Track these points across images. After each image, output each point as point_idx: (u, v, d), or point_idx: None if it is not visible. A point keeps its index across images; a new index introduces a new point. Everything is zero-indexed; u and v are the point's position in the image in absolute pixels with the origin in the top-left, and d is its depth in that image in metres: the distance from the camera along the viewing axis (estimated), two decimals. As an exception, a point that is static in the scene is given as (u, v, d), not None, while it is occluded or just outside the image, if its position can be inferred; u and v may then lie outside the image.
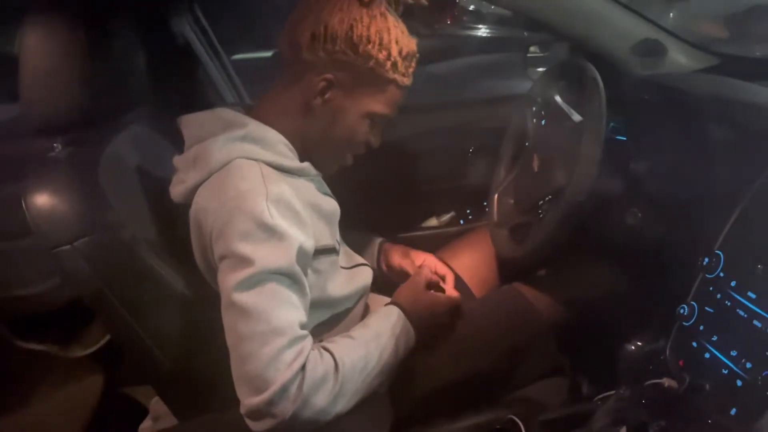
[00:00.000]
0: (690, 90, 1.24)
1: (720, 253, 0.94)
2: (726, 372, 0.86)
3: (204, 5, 1.57)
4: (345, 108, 0.99)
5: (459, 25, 4.03)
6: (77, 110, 0.97)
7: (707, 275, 0.94)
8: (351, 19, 0.93)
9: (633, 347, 0.93)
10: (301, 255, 0.91)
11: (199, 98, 1.49)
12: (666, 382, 0.90)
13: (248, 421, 0.86)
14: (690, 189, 1.09)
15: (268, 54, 2.71)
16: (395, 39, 0.96)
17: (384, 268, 1.31)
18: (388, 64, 0.96)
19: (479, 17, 4.03)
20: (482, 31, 3.84)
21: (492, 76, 2.27)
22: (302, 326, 0.90)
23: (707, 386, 0.87)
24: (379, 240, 1.32)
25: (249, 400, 0.85)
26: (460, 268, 1.37)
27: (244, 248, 0.86)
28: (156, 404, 1.15)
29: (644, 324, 0.99)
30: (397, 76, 0.98)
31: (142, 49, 1.09)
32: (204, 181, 0.94)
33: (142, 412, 1.20)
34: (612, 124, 1.33)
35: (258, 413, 0.85)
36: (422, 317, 1.05)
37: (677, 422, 0.89)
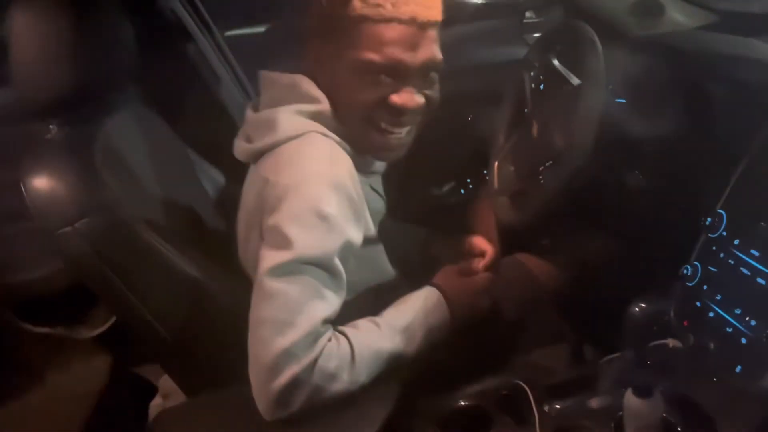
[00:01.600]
0: (689, 48, 1.23)
1: (722, 212, 0.94)
2: (730, 330, 0.86)
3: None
4: (333, 67, 0.91)
5: (453, -8, 3.97)
6: (70, 90, 0.96)
7: (710, 235, 0.95)
8: None
9: (637, 309, 0.94)
10: (346, 248, 0.88)
11: (191, 74, 1.47)
12: (670, 342, 0.90)
13: (258, 406, 0.84)
14: (691, 149, 1.09)
15: (261, 29, 2.68)
16: None
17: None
18: (351, 1, 0.86)
19: (473, -16, 3.97)
20: (477, -3, 3.78)
21: (488, 43, 2.24)
22: (329, 319, 0.87)
23: (712, 345, 0.88)
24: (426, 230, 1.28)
25: (258, 388, 0.84)
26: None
27: (291, 229, 0.84)
28: (165, 382, 1.16)
29: (647, 286, 0.99)
30: (365, 11, 0.86)
31: (132, 26, 1.08)
32: (270, 148, 0.92)
33: (152, 390, 1.21)
34: (611, 86, 1.32)
35: (266, 402, 0.83)
36: (463, 303, 1.01)
37: (683, 382, 0.90)
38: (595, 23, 1.14)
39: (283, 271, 0.84)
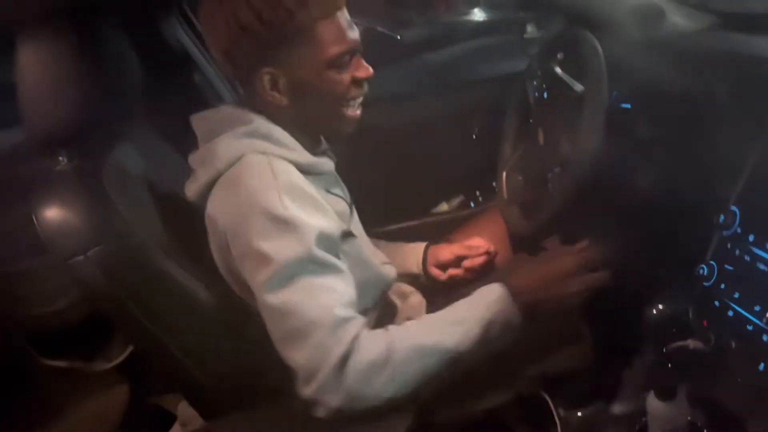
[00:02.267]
0: (692, 49, 1.23)
1: (735, 209, 0.92)
2: (751, 328, 0.85)
3: (195, 7, 1.57)
4: (302, 81, 0.94)
5: (453, 11, 4.01)
6: (79, 124, 0.97)
7: (724, 232, 0.93)
8: (232, 14, 0.88)
9: (655, 311, 0.93)
10: (324, 239, 0.88)
11: (197, 100, 1.49)
12: (691, 343, 0.89)
13: (310, 409, 0.85)
14: (700, 148, 1.08)
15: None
16: None
17: (433, 270, 1.26)
18: (294, 13, 0.88)
19: (473, 2, 4.01)
20: (477, 15, 3.81)
21: (490, 58, 2.25)
22: (346, 305, 0.87)
23: (733, 344, 0.87)
24: (423, 244, 1.28)
25: (302, 391, 0.84)
26: (474, 250, 1.37)
27: (261, 245, 0.85)
28: (183, 409, 1.15)
29: (664, 287, 0.98)
30: (313, 13, 0.89)
31: (136, 55, 1.09)
32: (214, 179, 0.94)
33: (170, 419, 1.21)
34: (615, 92, 1.32)
35: (312, 401, 0.84)
36: (533, 296, 0.95)
37: (706, 383, 0.88)
38: (595, 30, 1.15)
39: (276, 281, 0.84)
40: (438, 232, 1.48)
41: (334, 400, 0.83)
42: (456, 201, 1.79)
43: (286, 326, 0.84)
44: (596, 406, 0.93)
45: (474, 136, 1.74)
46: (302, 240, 0.86)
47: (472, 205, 1.79)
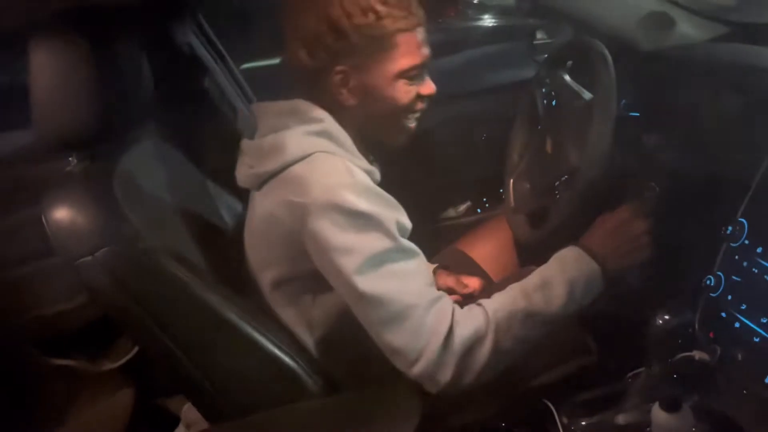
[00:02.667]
0: (701, 59, 1.23)
1: (743, 220, 0.92)
2: (758, 340, 0.85)
3: (209, 15, 1.58)
4: (373, 84, 0.97)
5: (463, 17, 4.01)
6: (89, 126, 0.98)
7: (732, 244, 0.93)
8: (323, 10, 0.92)
9: (660, 321, 0.93)
10: (401, 228, 0.93)
11: (209, 107, 1.50)
12: (697, 354, 0.89)
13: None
14: (708, 159, 1.08)
15: (276, 61, 2.71)
16: None
17: None
18: (382, 21, 0.93)
19: (483, 8, 4.01)
20: (487, 21, 3.82)
21: (500, 65, 2.25)
22: (432, 284, 0.93)
23: (739, 356, 0.86)
24: (431, 267, 1.29)
25: (409, 371, 0.90)
26: (480, 257, 1.37)
27: (346, 240, 0.88)
28: (188, 411, 1.16)
29: (670, 298, 0.98)
30: (398, 24, 0.94)
31: (148, 61, 1.10)
32: (278, 172, 0.95)
33: (174, 421, 1.21)
34: (624, 101, 1.32)
35: (422, 380, 0.90)
36: (610, 251, 0.99)
37: (711, 395, 0.88)
38: (605, 39, 1.15)
39: (366, 272, 0.88)
40: (445, 238, 1.48)
41: (444, 375, 0.89)
42: (463, 207, 1.79)
43: (382, 313, 0.89)
44: (600, 416, 0.93)
45: (482, 143, 1.74)
46: (386, 231, 0.89)
47: (479, 211, 1.79)
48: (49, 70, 0.95)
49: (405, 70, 0.97)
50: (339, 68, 0.95)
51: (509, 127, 1.44)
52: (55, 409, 1.40)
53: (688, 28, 1.33)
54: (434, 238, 1.34)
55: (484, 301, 0.95)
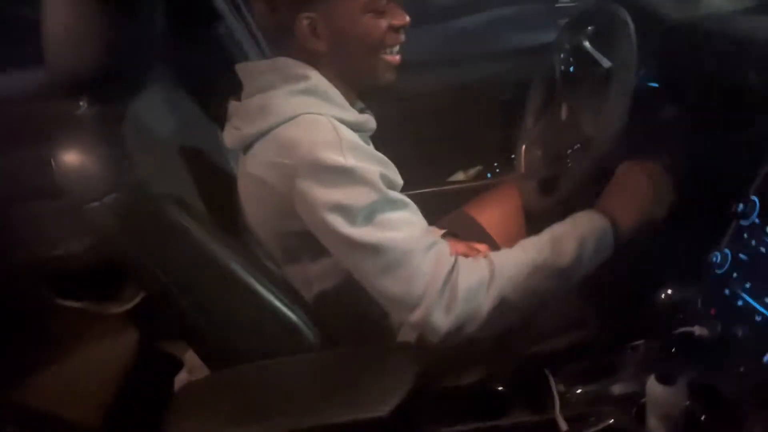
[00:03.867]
0: (727, 32, 1.19)
1: (755, 198, 0.91)
2: (759, 319, 0.84)
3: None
4: (340, 25, 0.95)
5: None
6: (100, 68, 0.97)
7: (742, 222, 0.92)
8: None
9: (663, 295, 0.92)
10: (387, 180, 0.92)
11: (221, 55, 1.48)
12: (696, 330, 0.88)
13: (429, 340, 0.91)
14: (724, 134, 1.06)
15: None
16: None
17: None
18: None
19: (508, -32, 3.91)
20: (511, -19, 3.73)
21: (520, 28, 2.21)
22: (427, 231, 0.93)
23: (740, 334, 0.86)
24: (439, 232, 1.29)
25: (410, 318, 0.90)
26: (488, 222, 1.37)
27: (333, 196, 0.88)
28: (191, 357, 1.17)
29: (674, 272, 0.97)
30: None
31: (163, 4, 1.09)
32: (263, 133, 0.95)
33: (178, 364, 1.23)
34: (643, 70, 1.29)
35: (423, 327, 0.90)
36: (619, 207, 1.00)
37: (708, 371, 0.88)
38: (629, 5, 1.11)
39: (356, 224, 0.88)
40: (453, 201, 1.48)
41: (444, 322, 0.88)
42: (473, 171, 1.78)
43: (377, 261, 0.88)
44: (596, 385, 0.94)
45: (497, 107, 1.71)
46: (372, 184, 0.89)
47: (489, 176, 1.78)
48: (62, 8, 0.94)
49: (368, 2, 0.95)
50: (303, 16, 0.93)
51: (526, 92, 1.42)
52: (60, 347, 1.43)
53: (718, -2, 1.29)
54: (443, 200, 1.33)
55: (491, 253, 0.95)
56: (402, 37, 1.00)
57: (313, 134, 0.91)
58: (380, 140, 1.13)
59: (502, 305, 0.91)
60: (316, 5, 0.93)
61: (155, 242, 0.96)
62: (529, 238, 0.98)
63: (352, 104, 1.03)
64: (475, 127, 1.73)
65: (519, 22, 2.37)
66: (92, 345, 1.44)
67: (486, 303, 0.90)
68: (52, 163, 0.92)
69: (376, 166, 0.92)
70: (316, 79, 0.96)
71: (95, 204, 0.90)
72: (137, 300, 1.46)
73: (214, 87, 1.40)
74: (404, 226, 0.90)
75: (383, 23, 0.97)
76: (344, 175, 0.88)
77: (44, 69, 0.97)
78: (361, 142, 0.93)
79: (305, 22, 0.94)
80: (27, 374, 1.34)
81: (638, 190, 1.02)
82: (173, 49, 1.15)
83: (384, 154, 1.02)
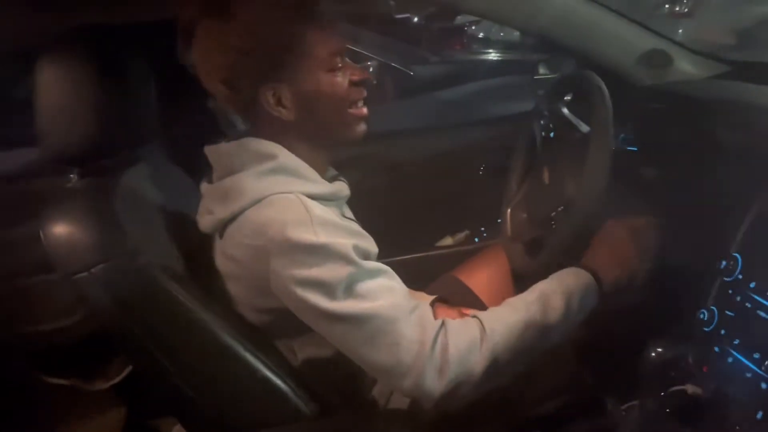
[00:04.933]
0: (699, 96, 1.24)
1: (737, 255, 0.93)
2: (750, 375, 0.84)
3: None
4: (304, 89, 0.95)
5: (468, 51, 4.07)
6: (92, 143, 0.99)
7: (725, 278, 0.93)
8: (225, 40, 0.91)
9: (654, 354, 0.92)
10: (360, 252, 0.92)
11: (212, 127, 1.51)
12: (689, 388, 0.88)
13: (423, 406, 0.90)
14: (703, 194, 1.08)
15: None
16: (257, 8, 0.91)
17: None
18: (292, 27, 0.92)
19: (488, 43, 4.07)
20: (492, 55, 3.87)
21: (502, 98, 2.29)
22: (407, 296, 0.92)
23: (732, 391, 0.86)
24: (430, 299, 1.27)
25: (401, 387, 0.89)
26: (476, 286, 1.37)
27: (308, 275, 0.87)
28: (177, 432, 1.15)
29: (664, 331, 0.98)
30: (297, 19, 0.93)
31: (153, 81, 1.12)
32: (236, 215, 0.95)
33: (165, 442, 1.20)
34: (622, 135, 1.33)
35: (416, 394, 0.89)
36: (602, 265, 1.02)
37: (704, 430, 0.87)
38: (605, 74, 1.16)
39: (334, 299, 0.87)
40: (441, 266, 1.48)
41: (438, 386, 0.88)
42: (460, 235, 1.80)
43: (362, 332, 0.88)
44: (592, 448, 0.92)
45: (481, 173, 1.75)
46: (346, 258, 0.89)
47: (477, 240, 1.80)
48: (54, 87, 0.96)
49: (328, 59, 0.95)
50: (266, 88, 0.94)
51: (509, 158, 1.45)
52: (47, 426, 1.39)
53: (686, 66, 1.35)
54: (431, 265, 1.34)
55: (479, 313, 0.95)
56: (364, 91, 1.01)
57: (283, 214, 0.91)
58: (369, 207, 1.15)
59: (495, 365, 0.90)
60: (277, 75, 0.94)
61: (144, 311, 0.95)
62: (517, 297, 0.99)
63: (323, 173, 1.04)
64: (462, 192, 1.77)
65: (500, 92, 2.45)
66: (79, 421, 1.41)
67: (479, 364, 0.89)
68: (41, 235, 0.92)
69: (349, 238, 0.91)
70: (284, 156, 0.97)
71: (84, 274, 0.90)
72: (124, 374, 1.44)
73: (205, 160, 1.43)
74: (384, 294, 0.90)
75: (343, 81, 0.98)
76: (317, 252, 0.88)
77: (34, 148, 0.99)
78: (333, 217, 0.94)
79: (269, 93, 0.95)
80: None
81: (620, 245, 1.05)
82: (165, 122, 1.18)
83: (373, 220, 1.03)
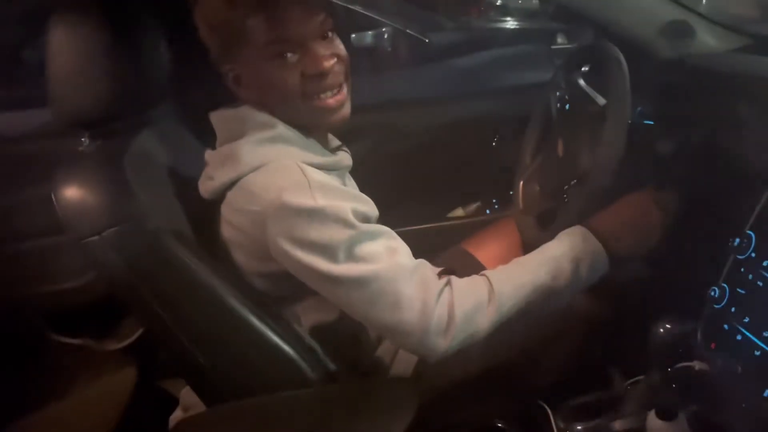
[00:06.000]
0: (720, 70, 1.21)
1: (751, 233, 0.91)
2: (758, 353, 0.84)
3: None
4: (253, 76, 0.95)
5: (485, 18, 3.99)
6: (104, 105, 0.99)
7: (738, 256, 0.92)
8: (201, 13, 0.94)
9: (662, 330, 0.92)
10: (361, 216, 0.92)
11: (225, 93, 1.51)
12: (696, 365, 0.88)
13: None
14: (720, 170, 1.07)
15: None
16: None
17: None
18: (230, 12, 0.90)
19: (506, 11, 3.99)
20: (509, 23, 3.80)
21: (518, 67, 2.25)
22: (410, 255, 0.93)
23: (739, 369, 0.85)
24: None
25: (407, 344, 0.90)
26: (486, 259, 1.37)
27: (309, 237, 0.88)
28: (186, 394, 1.16)
29: (674, 307, 0.97)
30: (245, 8, 0.90)
31: (166, 43, 1.11)
32: (234, 181, 0.96)
33: (174, 403, 1.22)
34: (639, 108, 1.31)
35: (421, 352, 0.90)
36: (612, 232, 1.01)
37: (709, 406, 0.87)
38: (624, 45, 1.14)
39: (337, 261, 0.88)
40: (452, 238, 1.48)
41: (442, 344, 0.88)
42: (472, 207, 1.79)
43: (365, 294, 0.88)
44: (596, 421, 0.92)
45: (495, 144, 1.73)
46: (345, 221, 0.89)
47: (488, 212, 1.79)
48: (66, 48, 0.96)
49: (267, 50, 0.92)
50: (227, 67, 0.96)
51: (523, 129, 1.44)
52: (58, 384, 1.42)
53: (708, 38, 1.31)
54: (442, 236, 1.34)
55: (488, 272, 0.95)
56: (327, 82, 0.96)
57: (281, 179, 0.91)
58: (380, 176, 1.14)
59: (499, 323, 0.91)
60: (232, 57, 0.95)
61: (153, 276, 0.96)
62: (527, 257, 0.98)
63: (325, 143, 1.03)
64: (474, 163, 1.75)
65: (517, 61, 2.42)
66: (89, 380, 1.43)
67: (485, 323, 0.90)
68: (53, 198, 0.93)
69: (348, 202, 0.92)
70: (281, 127, 0.97)
71: (95, 238, 0.91)
72: (135, 336, 1.46)
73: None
74: (385, 255, 0.90)
75: (294, 71, 0.93)
76: (316, 215, 0.88)
77: (46, 109, 0.99)
78: (331, 182, 0.94)
79: (230, 74, 0.97)
80: (24, 410, 1.32)
81: (634, 217, 1.04)
82: (176, 87, 1.17)
83: (383, 190, 1.03)
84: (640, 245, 1.03)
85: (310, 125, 1.01)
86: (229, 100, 1.05)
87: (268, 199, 0.90)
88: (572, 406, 0.96)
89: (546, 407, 0.95)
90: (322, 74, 0.94)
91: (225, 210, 1.00)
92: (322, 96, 0.96)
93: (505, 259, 1.36)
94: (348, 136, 1.14)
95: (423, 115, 1.77)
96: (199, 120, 1.24)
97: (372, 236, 0.91)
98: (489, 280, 0.93)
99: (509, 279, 0.94)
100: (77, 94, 0.98)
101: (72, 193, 0.93)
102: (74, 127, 1.00)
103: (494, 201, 1.78)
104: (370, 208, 0.97)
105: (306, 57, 0.93)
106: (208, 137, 1.12)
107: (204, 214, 1.05)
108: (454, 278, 0.92)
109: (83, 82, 0.97)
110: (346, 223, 0.89)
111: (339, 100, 0.98)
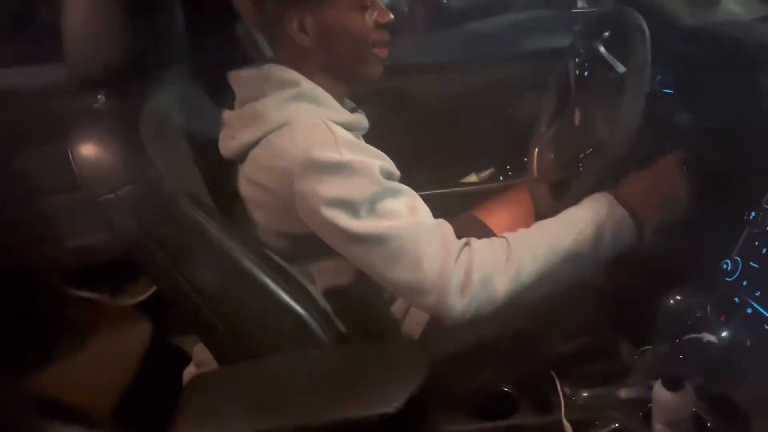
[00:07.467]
0: (745, 39, 1.19)
1: (768, 207, 0.91)
2: (768, 327, 0.84)
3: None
4: (328, 22, 0.96)
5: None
6: (120, 64, 0.99)
7: (753, 230, 0.92)
8: None
9: (672, 301, 0.92)
10: (387, 174, 0.93)
11: (240, 56, 1.50)
12: (705, 336, 0.88)
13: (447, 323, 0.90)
14: (739, 142, 1.05)
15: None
16: None
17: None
18: None
19: (526, -28, 3.90)
20: (529, -14, 3.72)
21: (536, 32, 2.21)
22: (429, 215, 0.93)
23: (748, 342, 0.86)
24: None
25: (425, 304, 0.90)
26: (497, 226, 1.37)
27: (333, 193, 0.88)
28: (199, 351, 1.19)
29: (685, 279, 0.97)
30: None
31: (184, 3, 1.10)
32: (259, 140, 0.96)
33: (186, 359, 1.25)
34: (659, 77, 1.29)
35: (438, 312, 0.90)
36: (638, 201, 0.98)
37: (716, 378, 0.88)
38: (646, 11, 1.11)
39: (359, 217, 0.88)
40: (464, 203, 1.48)
41: (460, 304, 0.88)
42: (485, 173, 1.78)
43: (385, 251, 0.88)
44: (602, 389, 0.93)
45: (510, 110, 1.72)
46: (371, 177, 0.90)
47: (501, 179, 1.78)
48: (82, 6, 0.95)
49: (356, 1, 0.96)
50: (291, 14, 0.95)
51: (540, 95, 1.42)
52: (73, 338, 1.45)
53: (733, 5, 1.29)
54: (454, 201, 1.33)
55: (509, 234, 0.94)
56: (387, 34, 1.02)
57: (308, 136, 0.92)
58: (393, 141, 1.14)
59: (519, 288, 0.89)
60: (303, 4, 0.95)
61: (168, 236, 0.97)
62: (549, 221, 0.96)
63: (343, 104, 1.04)
64: (489, 129, 1.73)
65: (535, 26, 2.37)
66: (106, 336, 1.47)
67: (503, 285, 0.89)
68: (70, 156, 0.93)
69: (374, 158, 0.92)
70: (306, 84, 0.98)
71: (110, 196, 0.91)
72: (149, 293, 1.48)
73: (230, 87, 1.42)
74: (406, 213, 0.90)
75: (369, 20, 0.98)
76: (342, 170, 0.89)
77: (62, 65, 0.99)
78: (355, 139, 0.95)
79: (294, 19, 0.95)
80: (42, 363, 1.36)
81: (661, 182, 1.01)
82: (192, 48, 1.16)
83: (397, 155, 1.02)
84: (669, 215, 0.99)
85: (355, 76, 1.03)
86: (242, 62, 1.05)
87: (295, 155, 0.90)
88: (579, 374, 0.97)
89: (553, 374, 0.96)
90: (387, 27, 1.00)
91: (248, 168, 1.00)
92: (379, 48, 1.01)
93: (517, 228, 1.37)
94: (362, 98, 1.14)
95: (438, 80, 1.75)
96: (215, 81, 1.24)
97: (394, 194, 0.91)
98: (509, 243, 0.92)
99: (530, 244, 0.93)
100: (92, 53, 0.98)
101: (88, 151, 0.93)
102: (89, 84, 1.00)
103: (508, 168, 1.77)
104: (393, 167, 0.97)
105: (375, 8, 0.99)
106: (222, 99, 1.12)
107: (219, 176, 1.06)
108: (473, 239, 0.92)
109: (98, 40, 0.97)
110: (371, 178, 0.89)
111: (386, 53, 1.03)
